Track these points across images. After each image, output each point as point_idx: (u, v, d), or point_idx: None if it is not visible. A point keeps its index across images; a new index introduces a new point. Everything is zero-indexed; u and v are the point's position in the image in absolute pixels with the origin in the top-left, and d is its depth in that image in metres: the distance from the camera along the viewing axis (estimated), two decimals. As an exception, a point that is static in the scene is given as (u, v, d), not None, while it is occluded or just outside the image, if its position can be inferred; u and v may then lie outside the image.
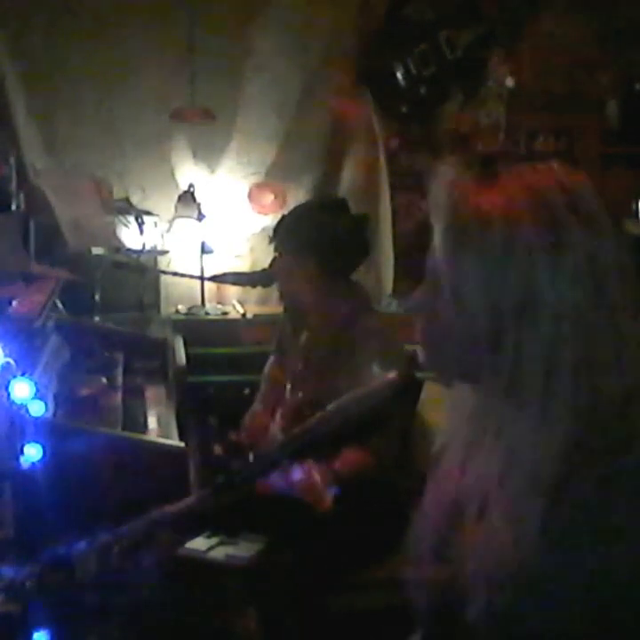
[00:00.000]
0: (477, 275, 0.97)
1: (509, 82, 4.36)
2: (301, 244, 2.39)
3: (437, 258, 1.00)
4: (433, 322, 1.03)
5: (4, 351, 1.76)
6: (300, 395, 2.43)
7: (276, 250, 2.50)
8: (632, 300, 0.96)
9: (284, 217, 2.52)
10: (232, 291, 4.19)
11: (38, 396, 1.79)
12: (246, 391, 3.27)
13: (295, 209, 2.58)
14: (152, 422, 2.25)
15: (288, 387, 2.52)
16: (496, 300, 0.95)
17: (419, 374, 1.18)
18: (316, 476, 2.06)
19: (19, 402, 1.71)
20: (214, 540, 1.99)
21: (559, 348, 0.93)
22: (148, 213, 4.02)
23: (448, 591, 1.00)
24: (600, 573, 0.90)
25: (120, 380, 2.52)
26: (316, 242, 2.37)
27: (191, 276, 4.09)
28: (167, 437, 2.10)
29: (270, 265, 2.61)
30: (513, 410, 0.97)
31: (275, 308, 3.67)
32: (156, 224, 4.04)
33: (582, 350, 0.93)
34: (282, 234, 2.47)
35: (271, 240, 2.52)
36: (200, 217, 4.10)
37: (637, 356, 0.95)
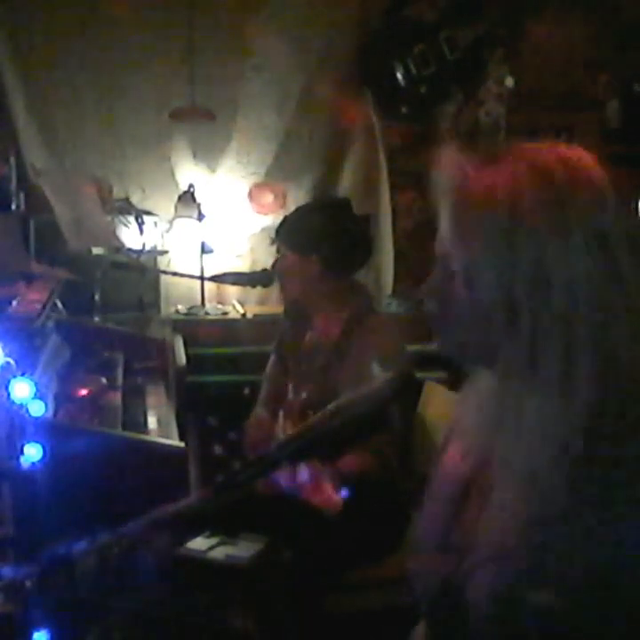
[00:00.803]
0: (487, 255, 0.97)
1: (509, 82, 4.35)
2: (305, 245, 2.39)
3: (445, 241, 1.00)
4: (446, 306, 1.03)
5: (4, 351, 1.76)
6: (304, 395, 2.42)
7: (278, 250, 2.50)
8: None
9: (286, 217, 2.51)
10: (232, 291, 4.19)
11: (38, 395, 1.79)
12: (246, 391, 3.28)
13: (298, 209, 2.58)
14: (152, 422, 2.25)
15: (290, 387, 2.52)
16: (507, 278, 0.95)
17: (419, 374, 1.18)
18: (326, 479, 2.05)
19: (19, 402, 1.71)
20: (214, 540, 1.99)
21: (574, 322, 0.93)
22: (148, 213, 4.03)
23: (451, 576, 1.00)
24: (606, 556, 0.90)
25: (120, 379, 2.52)
26: (320, 242, 2.37)
27: (191, 276, 4.09)
28: (167, 437, 2.10)
29: (273, 265, 2.61)
30: (533, 387, 0.97)
31: (275, 307, 3.68)
32: (156, 224, 4.05)
33: (597, 323, 0.93)
34: (285, 234, 2.47)
35: (274, 240, 2.52)
36: (200, 217, 4.10)
37: None
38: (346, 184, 4.43)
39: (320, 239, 2.38)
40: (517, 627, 0.94)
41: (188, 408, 2.58)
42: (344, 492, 1.98)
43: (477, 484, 1.02)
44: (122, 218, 3.86)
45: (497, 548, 0.95)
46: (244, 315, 4.08)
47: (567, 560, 0.91)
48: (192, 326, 3.91)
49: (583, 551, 0.91)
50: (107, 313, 3.40)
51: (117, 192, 4.09)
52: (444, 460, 1.12)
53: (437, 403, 2.37)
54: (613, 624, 0.92)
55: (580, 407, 0.93)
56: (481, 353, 1.03)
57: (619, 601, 0.91)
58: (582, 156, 0.98)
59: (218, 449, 3.13)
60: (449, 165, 1.00)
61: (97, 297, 3.40)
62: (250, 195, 4.35)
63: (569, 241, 0.93)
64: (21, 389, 1.73)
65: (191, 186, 4.11)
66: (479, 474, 1.03)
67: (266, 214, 4.32)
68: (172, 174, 4.25)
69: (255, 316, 4.05)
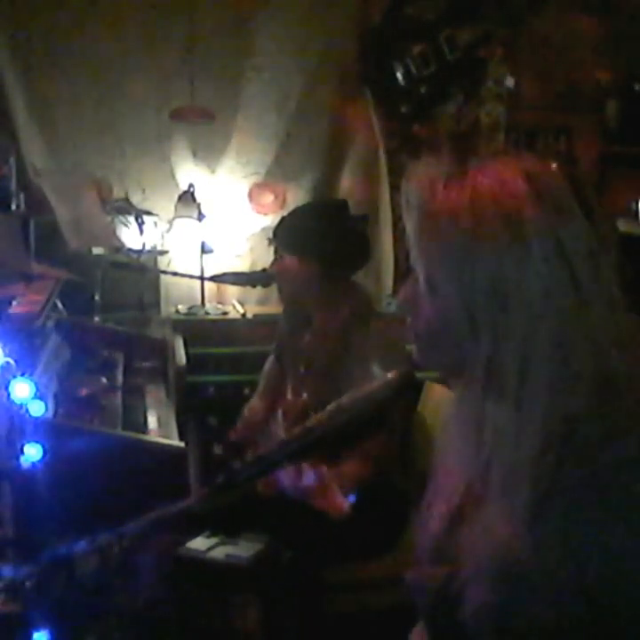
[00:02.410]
0: (446, 267, 0.97)
1: (509, 82, 4.35)
2: (302, 246, 2.39)
3: (411, 253, 1.01)
4: (416, 316, 1.04)
5: (4, 351, 1.76)
6: (305, 396, 2.42)
7: (276, 251, 2.50)
8: (607, 285, 0.96)
9: (283, 219, 2.51)
10: (232, 291, 4.19)
11: (38, 395, 1.79)
12: (246, 391, 3.27)
13: (295, 210, 2.58)
14: (152, 422, 2.25)
15: (289, 387, 2.52)
16: (467, 290, 0.96)
17: (419, 374, 1.18)
18: (332, 482, 2.05)
19: (19, 402, 1.71)
20: (214, 540, 2.00)
21: (532, 334, 0.93)
22: (148, 213, 4.03)
23: (445, 590, 1.01)
24: (591, 566, 0.90)
25: (120, 379, 2.52)
26: (317, 243, 2.37)
27: (191, 276, 4.09)
28: (167, 437, 2.10)
29: (271, 266, 2.61)
30: (493, 401, 0.97)
31: (275, 307, 3.68)
32: (156, 224, 4.05)
33: (556, 336, 0.93)
34: (282, 235, 2.46)
35: (271, 242, 2.52)
36: (200, 217, 4.10)
37: (613, 340, 0.94)
38: (346, 184, 4.43)
39: (318, 240, 2.37)
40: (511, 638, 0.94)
41: (188, 408, 2.58)
42: (351, 497, 1.98)
43: (472, 498, 1.03)
44: (122, 218, 3.86)
45: (488, 561, 0.95)
46: (243, 315, 4.08)
47: (553, 573, 0.91)
48: (192, 326, 3.91)
49: (570, 563, 0.90)
50: (107, 313, 3.40)
51: (117, 192, 4.09)
52: (440, 471, 1.12)
53: (437, 403, 2.36)
54: (607, 634, 0.92)
55: (537, 423, 0.93)
56: (450, 364, 1.03)
57: (611, 611, 0.91)
58: (546, 170, 0.99)
59: (218, 449, 3.13)
60: (417, 179, 1.01)
61: (97, 297, 3.40)
62: (250, 195, 4.35)
63: (526, 253, 0.93)
64: (21, 389, 1.73)
65: (191, 186, 4.11)
66: (471, 488, 1.03)
67: (266, 214, 4.32)
68: (172, 174, 4.25)
69: (255, 316, 4.05)
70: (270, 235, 2.54)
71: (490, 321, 0.94)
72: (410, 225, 1.01)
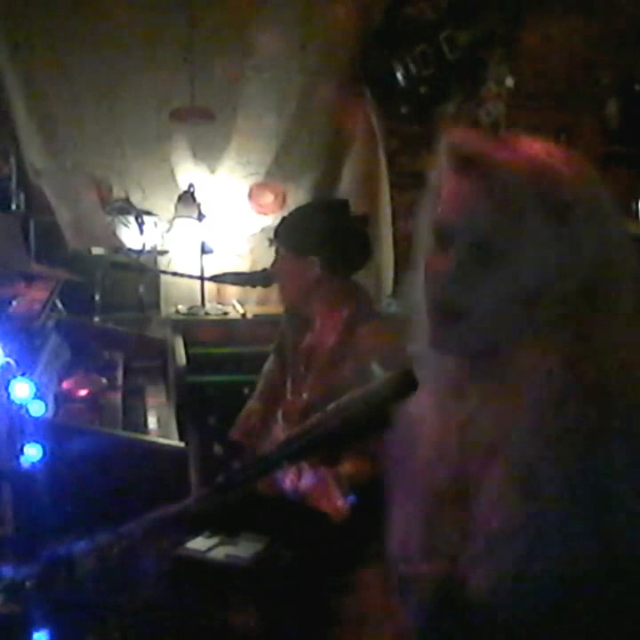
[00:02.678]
0: (535, 233, 0.98)
1: (509, 82, 4.35)
2: (303, 245, 2.39)
3: (464, 216, 1.00)
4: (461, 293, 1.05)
5: (4, 351, 1.76)
6: (305, 396, 2.42)
7: (277, 251, 2.50)
8: None
9: (284, 218, 2.51)
10: (232, 291, 4.19)
11: (38, 395, 1.79)
12: (246, 391, 3.27)
13: (296, 210, 2.58)
14: (152, 422, 2.25)
15: (289, 388, 2.52)
16: (552, 260, 0.97)
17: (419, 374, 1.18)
18: (331, 484, 2.04)
19: (19, 402, 1.71)
20: (214, 540, 1.99)
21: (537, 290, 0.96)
22: (148, 213, 4.03)
23: (448, 578, 1.01)
24: (608, 511, 0.93)
25: (120, 379, 2.52)
26: (319, 243, 2.37)
27: (191, 276, 4.09)
28: (167, 437, 2.10)
29: (271, 266, 2.61)
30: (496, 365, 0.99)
31: (275, 307, 3.67)
32: (156, 224, 4.05)
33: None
34: (283, 235, 2.46)
35: (272, 242, 2.51)
36: (200, 217, 4.10)
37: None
38: (346, 184, 4.43)
39: (320, 240, 2.37)
40: (523, 615, 0.95)
41: (188, 408, 2.58)
42: (350, 498, 1.97)
43: (461, 482, 1.02)
44: (122, 218, 3.86)
45: (495, 538, 0.96)
46: (244, 315, 4.08)
47: (563, 546, 0.93)
48: (192, 326, 3.91)
49: (576, 536, 0.93)
50: (107, 313, 3.41)
51: (117, 192, 4.09)
52: (414, 464, 1.12)
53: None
54: (611, 609, 0.94)
55: (547, 390, 0.95)
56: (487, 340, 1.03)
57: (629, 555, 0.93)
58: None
59: (218, 449, 3.13)
60: (465, 138, 1.01)
61: (97, 297, 3.40)
62: (250, 195, 4.35)
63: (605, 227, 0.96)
64: (21, 389, 1.73)
65: (191, 186, 4.11)
66: (461, 473, 1.03)
67: (266, 214, 4.32)
68: (172, 174, 4.25)
69: (255, 316, 4.05)
70: (270, 235, 2.54)
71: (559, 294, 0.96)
72: (465, 184, 0.98)
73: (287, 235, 2.45)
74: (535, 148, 0.99)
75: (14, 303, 2.37)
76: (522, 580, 0.95)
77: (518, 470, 0.96)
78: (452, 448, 1.04)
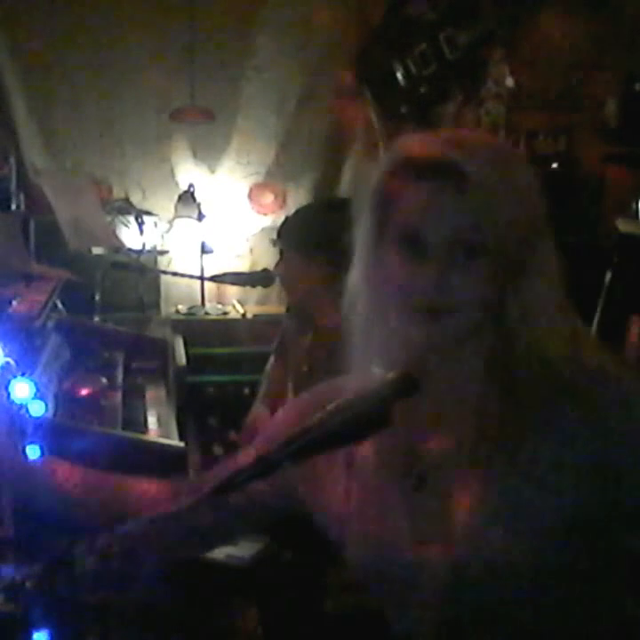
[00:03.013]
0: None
1: (509, 82, 4.35)
2: (307, 244, 2.38)
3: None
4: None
5: (4, 351, 1.76)
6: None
7: (281, 252, 2.49)
8: None
9: (288, 218, 2.51)
10: (232, 291, 4.19)
11: (38, 396, 1.79)
12: (246, 391, 3.28)
13: (300, 209, 2.57)
14: (152, 422, 2.25)
15: (291, 387, 2.52)
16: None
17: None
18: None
19: (19, 402, 1.71)
20: (214, 540, 1.99)
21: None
22: (148, 213, 4.03)
23: (459, 557, 1.02)
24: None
25: (120, 379, 2.51)
26: (323, 241, 2.36)
27: (191, 276, 4.10)
28: (167, 437, 2.10)
29: (276, 266, 2.61)
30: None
31: (275, 307, 3.68)
32: (156, 224, 4.05)
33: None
34: (289, 235, 2.46)
35: (275, 242, 2.51)
36: (200, 217, 4.10)
37: None
38: (346, 184, 4.43)
39: (322, 239, 2.37)
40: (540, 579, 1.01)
41: (188, 408, 2.58)
42: None
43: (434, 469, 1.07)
44: (122, 218, 3.86)
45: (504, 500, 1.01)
46: (244, 315, 4.08)
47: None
48: (192, 326, 3.91)
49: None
50: (107, 313, 3.40)
51: (117, 192, 4.10)
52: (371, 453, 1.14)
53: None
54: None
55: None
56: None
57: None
58: None
59: (218, 449, 3.13)
60: (416, 147, 1.05)
61: (97, 297, 3.40)
62: (250, 195, 4.35)
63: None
64: (21, 389, 1.72)
65: (191, 186, 4.11)
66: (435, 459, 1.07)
67: (266, 214, 4.32)
68: (172, 174, 4.25)
69: (255, 316, 4.05)
70: (270, 235, 2.54)
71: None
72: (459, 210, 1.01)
73: (292, 235, 2.44)
74: (486, 139, 1.10)
75: (14, 303, 2.37)
76: (534, 539, 1.01)
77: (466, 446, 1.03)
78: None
